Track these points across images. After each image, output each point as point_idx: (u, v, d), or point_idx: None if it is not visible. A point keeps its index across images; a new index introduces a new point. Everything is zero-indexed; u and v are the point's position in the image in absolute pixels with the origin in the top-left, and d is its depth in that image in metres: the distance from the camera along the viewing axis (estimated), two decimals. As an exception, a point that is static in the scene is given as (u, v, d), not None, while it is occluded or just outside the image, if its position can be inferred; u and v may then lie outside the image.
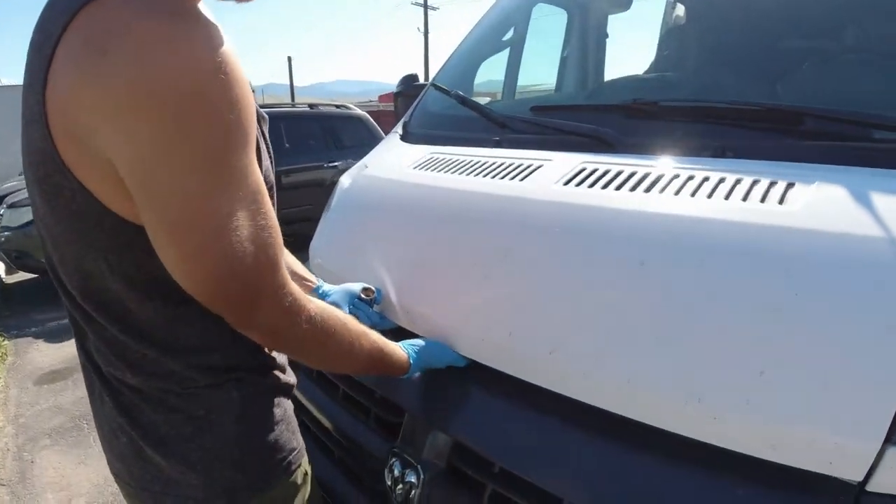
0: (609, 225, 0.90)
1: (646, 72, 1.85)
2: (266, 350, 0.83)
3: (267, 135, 0.78)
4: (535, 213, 0.99)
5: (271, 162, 0.79)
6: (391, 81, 2.79)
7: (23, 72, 0.64)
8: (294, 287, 0.70)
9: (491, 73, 2.20)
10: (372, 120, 6.70)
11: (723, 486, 0.70)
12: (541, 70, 2.56)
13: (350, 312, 1.10)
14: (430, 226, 1.15)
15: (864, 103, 1.06)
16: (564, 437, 0.83)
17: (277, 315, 0.68)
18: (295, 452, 0.85)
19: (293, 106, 6.84)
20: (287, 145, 5.78)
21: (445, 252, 1.08)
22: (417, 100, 1.88)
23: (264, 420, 0.81)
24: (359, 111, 6.67)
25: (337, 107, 6.76)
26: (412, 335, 1.06)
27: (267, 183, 0.71)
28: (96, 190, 0.62)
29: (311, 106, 6.55)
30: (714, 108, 1.13)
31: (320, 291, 1.16)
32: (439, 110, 1.74)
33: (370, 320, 1.12)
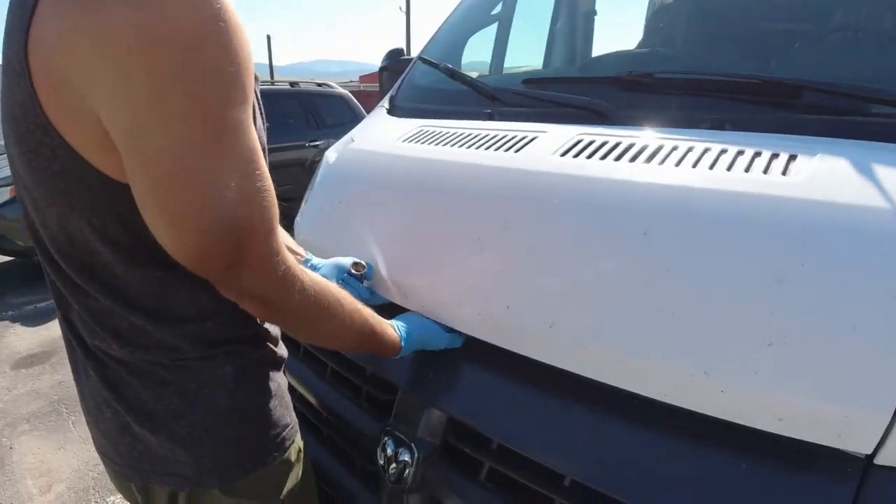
0: (610, 195, 0.88)
1: (636, 47, 1.82)
2: (259, 321, 0.80)
3: (258, 94, 0.74)
4: (532, 184, 0.96)
5: (264, 123, 0.74)
6: (372, 62, 2.74)
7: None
8: (288, 256, 0.66)
9: (477, 54, 2.16)
10: (354, 99, 6.60)
11: (727, 460, 0.69)
12: (529, 47, 2.51)
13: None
14: (422, 198, 1.11)
15: (863, 77, 1.05)
16: (565, 413, 0.81)
17: (269, 283, 0.65)
18: (289, 428, 0.82)
19: (273, 84, 6.70)
20: (267, 124, 5.63)
21: (439, 225, 1.04)
22: (404, 74, 1.84)
23: (257, 395, 0.78)
24: (341, 90, 6.55)
25: (318, 85, 6.64)
26: (404, 311, 1.03)
27: (261, 144, 0.68)
28: (79, 145, 0.58)
29: (292, 84, 6.42)
30: (712, 81, 1.11)
31: (309, 265, 1.12)
32: (427, 84, 1.69)
33: (360, 296, 1.08)
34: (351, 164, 1.39)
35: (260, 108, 0.73)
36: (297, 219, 1.45)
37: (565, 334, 0.81)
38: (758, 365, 0.67)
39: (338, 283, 1.07)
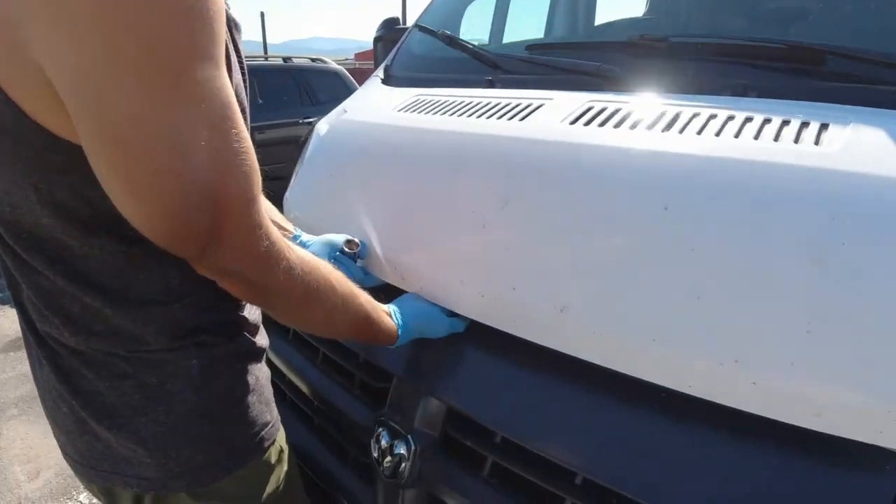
0: (625, 165, 0.80)
1: (645, 14, 1.73)
2: (236, 305, 0.72)
3: (241, 46, 0.65)
4: (540, 155, 0.87)
5: (244, 78, 0.65)
6: (368, 39, 2.62)
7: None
8: (273, 230, 0.58)
9: (476, 30, 2.06)
10: (349, 74, 6.45)
11: (757, 457, 0.62)
12: (530, 19, 2.41)
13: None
14: (421, 170, 1.03)
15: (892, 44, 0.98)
16: (577, 405, 0.74)
17: (250, 260, 0.57)
18: (268, 427, 0.75)
19: (266, 59, 6.55)
20: (260, 101, 5.53)
21: (438, 199, 0.96)
22: (400, 42, 1.74)
23: (231, 390, 0.71)
24: (335, 65, 6.40)
25: (312, 60, 6.48)
26: (401, 293, 0.95)
27: (239, 103, 0.59)
28: (21, 100, 0.50)
29: (285, 59, 6.27)
30: (732, 46, 1.03)
31: (298, 241, 1.04)
32: (425, 52, 1.60)
33: (353, 276, 1.00)
34: (343, 136, 1.30)
35: (240, 59, 0.64)
36: (287, 195, 1.36)
37: (578, 319, 0.74)
38: (794, 354, 0.60)
39: (329, 262, 0.99)
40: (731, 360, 0.62)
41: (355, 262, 1.03)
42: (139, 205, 0.50)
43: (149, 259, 0.61)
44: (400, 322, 0.83)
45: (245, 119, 0.63)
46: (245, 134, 0.53)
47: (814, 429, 0.60)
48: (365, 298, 0.76)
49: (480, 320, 0.86)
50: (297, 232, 1.06)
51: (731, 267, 0.67)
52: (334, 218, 1.15)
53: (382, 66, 1.67)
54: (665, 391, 0.69)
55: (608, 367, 0.72)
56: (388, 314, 0.82)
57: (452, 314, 0.89)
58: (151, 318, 0.63)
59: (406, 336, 0.84)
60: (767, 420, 0.62)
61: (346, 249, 1.02)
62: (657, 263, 0.71)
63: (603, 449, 0.69)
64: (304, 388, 1.12)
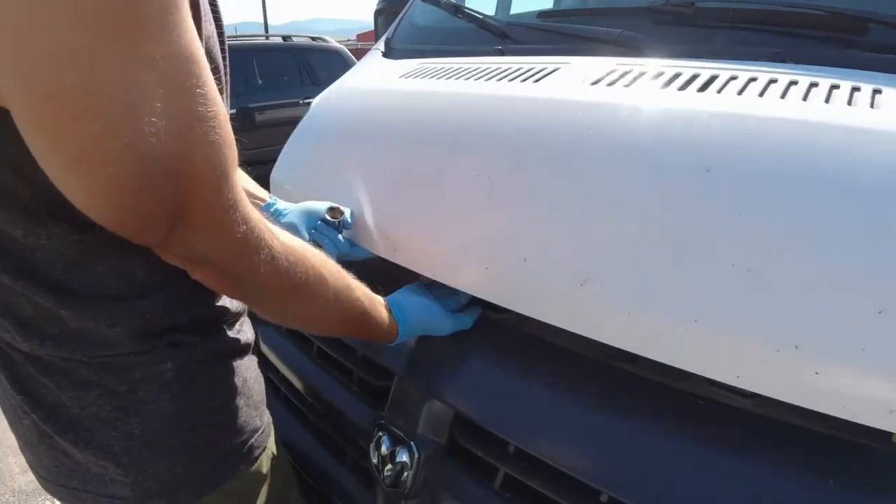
0: (657, 122, 0.70)
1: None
2: (215, 296, 0.63)
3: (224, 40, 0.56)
4: (559, 114, 0.77)
5: (221, 33, 0.55)
6: (369, 20, 2.52)
7: None
8: (252, 213, 0.49)
9: (481, 4, 1.95)
10: (350, 53, 6.30)
11: (818, 467, 0.54)
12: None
13: (311, 238, 0.88)
14: (420, 133, 0.92)
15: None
16: (603, 413, 0.66)
17: (225, 248, 0.48)
18: (258, 434, 0.67)
19: (267, 39, 6.41)
20: (260, 81, 5.40)
21: (439, 163, 0.86)
22: (402, 13, 1.64)
23: (213, 395, 0.62)
24: (336, 44, 6.25)
25: (313, 39, 6.34)
26: (393, 267, 0.86)
27: (211, 61, 0.50)
28: None
29: (284, 38, 6.12)
30: (767, 12, 0.93)
31: (272, 209, 0.92)
32: (428, 23, 1.49)
33: (337, 249, 0.90)
34: (339, 102, 1.20)
35: (214, 6, 0.54)
36: (276, 165, 1.24)
37: (601, 294, 0.64)
38: (865, 338, 0.51)
39: (310, 232, 0.89)
40: (791, 345, 0.52)
41: (339, 232, 0.92)
42: (76, 181, 0.40)
43: (106, 247, 0.52)
44: (400, 318, 0.74)
45: (221, 82, 0.54)
46: (215, 97, 0.43)
47: (887, 429, 0.51)
48: (362, 292, 0.67)
49: (484, 297, 0.75)
50: (272, 199, 0.94)
51: (788, 236, 0.57)
52: (321, 185, 1.04)
53: (383, 38, 1.57)
54: (703, 398, 0.61)
55: (636, 352, 0.61)
56: (387, 309, 0.73)
57: (458, 310, 0.80)
58: (114, 318, 0.54)
59: (406, 334, 0.75)
60: (833, 419, 0.53)
61: (329, 218, 0.91)
62: (699, 232, 0.61)
63: (632, 465, 0.60)
64: (298, 383, 1.04)
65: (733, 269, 0.57)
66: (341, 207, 0.93)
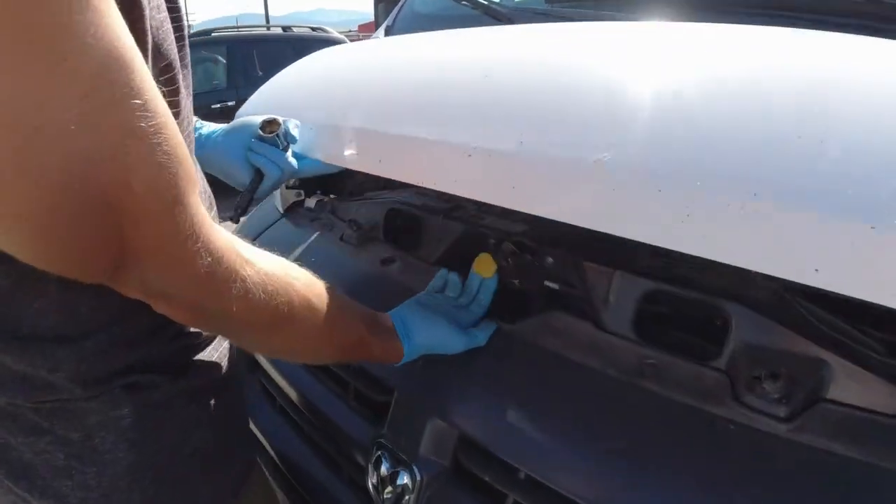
0: None
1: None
2: (181, 328, 0.56)
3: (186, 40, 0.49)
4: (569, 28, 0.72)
5: (174, 14, 0.47)
6: (371, 11, 2.50)
7: None
8: (216, 238, 0.42)
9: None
10: (352, 44, 6.24)
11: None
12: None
13: (249, 161, 0.79)
14: (408, 55, 0.88)
15: None
16: (626, 433, 0.59)
17: (186, 281, 0.41)
18: (240, 476, 0.61)
19: (267, 29, 6.34)
20: (260, 73, 5.36)
21: (423, 72, 0.80)
22: (402, 1, 1.58)
23: (183, 440, 0.55)
24: (337, 34, 6.17)
25: (313, 29, 6.26)
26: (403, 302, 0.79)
27: (162, 57, 0.43)
28: None
29: (284, 28, 6.06)
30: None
31: (197, 133, 0.81)
32: (430, 11, 1.43)
33: (280, 168, 0.79)
34: (322, 53, 1.15)
35: (175, 12, 0.47)
36: (239, 111, 1.14)
37: (622, 174, 0.50)
38: None
39: (246, 153, 0.79)
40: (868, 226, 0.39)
41: (281, 149, 0.82)
42: None
43: (43, 281, 0.44)
44: (405, 336, 0.67)
45: (176, 81, 0.46)
46: (157, 106, 0.36)
47: None
48: (359, 313, 0.61)
49: (478, 199, 0.64)
50: (198, 123, 0.83)
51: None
52: (296, 106, 0.94)
53: (382, 27, 1.51)
54: (735, 423, 0.55)
55: (665, 245, 0.48)
56: (390, 327, 0.67)
57: (472, 325, 0.74)
58: (53, 362, 0.47)
59: (412, 354, 0.68)
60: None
61: (263, 134, 0.80)
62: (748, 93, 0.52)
63: (658, 500, 0.54)
64: (293, 393, 0.98)
65: (803, 141, 0.45)
66: (279, 118, 0.82)
